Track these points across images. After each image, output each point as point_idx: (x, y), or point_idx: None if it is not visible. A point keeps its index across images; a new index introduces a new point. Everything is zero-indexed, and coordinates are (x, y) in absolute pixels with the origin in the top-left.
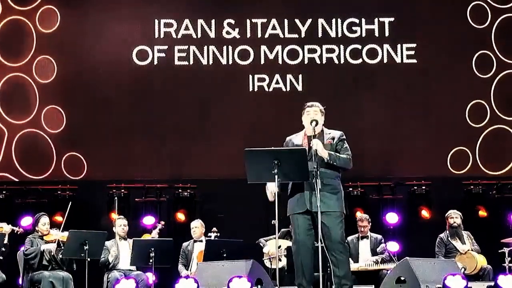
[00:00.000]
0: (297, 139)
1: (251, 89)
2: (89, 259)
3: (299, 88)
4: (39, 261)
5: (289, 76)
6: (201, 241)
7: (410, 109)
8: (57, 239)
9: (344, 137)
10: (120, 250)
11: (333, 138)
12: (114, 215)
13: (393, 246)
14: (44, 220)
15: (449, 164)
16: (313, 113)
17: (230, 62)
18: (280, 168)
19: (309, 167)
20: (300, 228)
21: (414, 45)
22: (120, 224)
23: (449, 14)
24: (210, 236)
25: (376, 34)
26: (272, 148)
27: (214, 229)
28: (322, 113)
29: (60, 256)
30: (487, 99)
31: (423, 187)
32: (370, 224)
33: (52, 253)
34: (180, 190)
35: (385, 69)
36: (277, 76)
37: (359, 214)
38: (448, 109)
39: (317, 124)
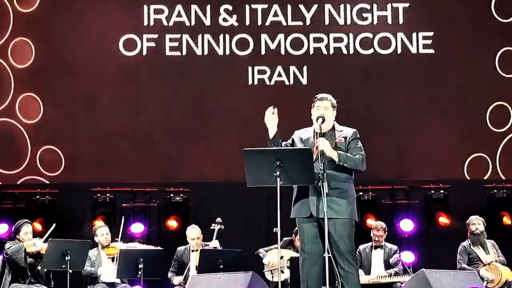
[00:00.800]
0: (306, 134)
1: (250, 82)
2: (71, 271)
3: (304, 81)
4: (19, 271)
5: (292, 68)
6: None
7: (426, 105)
8: (39, 250)
9: (358, 135)
10: (103, 261)
11: (345, 137)
12: (98, 222)
13: (408, 257)
14: (27, 229)
15: (466, 170)
16: (322, 108)
17: (227, 52)
18: (283, 169)
19: (316, 169)
20: (306, 236)
21: (431, 33)
22: (103, 233)
23: (471, 2)
24: (214, 228)
25: (389, 21)
26: (274, 147)
27: (219, 219)
28: (334, 108)
29: (39, 268)
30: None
31: (441, 191)
32: (386, 233)
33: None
34: (172, 195)
35: (399, 60)
36: (279, 68)
37: (374, 222)
38: (468, 105)
39: (323, 121)
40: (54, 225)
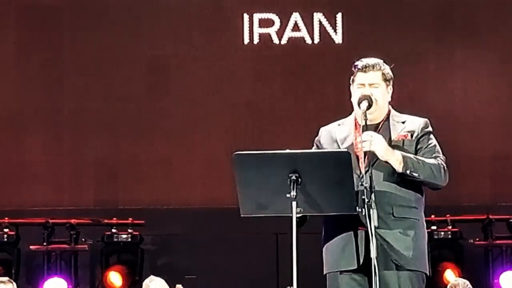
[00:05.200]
0: (341, 130)
1: (246, 40)
2: None
3: (337, 38)
4: None
5: (317, 17)
6: None
7: None
8: None
9: (431, 128)
10: None
11: (411, 132)
12: None
13: None
14: None
15: None
16: (368, 85)
17: None
18: (302, 188)
19: (359, 185)
20: None
21: None
22: None
23: None
24: None
25: None
26: (287, 150)
27: (179, 286)
28: (388, 82)
29: None
30: None
31: None
32: None
33: None
34: (114, 230)
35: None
36: (295, 17)
37: (452, 278)
38: None
39: (370, 106)
40: None
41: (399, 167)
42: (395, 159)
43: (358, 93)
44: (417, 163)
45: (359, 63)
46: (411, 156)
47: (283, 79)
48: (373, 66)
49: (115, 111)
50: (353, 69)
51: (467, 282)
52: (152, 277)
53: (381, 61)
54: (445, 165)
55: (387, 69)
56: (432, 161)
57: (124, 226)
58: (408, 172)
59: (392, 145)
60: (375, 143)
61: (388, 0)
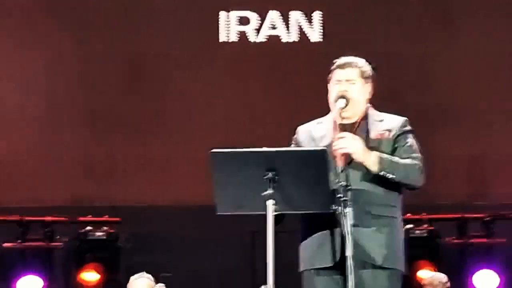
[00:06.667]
0: (319, 128)
1: (223, 38)
2: None
3: (314, 36)
4: None
5: (294, 15)
6: None
7: None
8: None
9: (410, 127)
10: None
11: (388, 130)
12: None
13: None
14: None
15: None
16: (345, 81)
17: None
18: (279, 186)
19: (335, 183)
20: None
21: None
22: None
23: None
24: None
25: None
26: (264, 148)
27: (161, 285)
28: (367, 80)
29: None
30: None
31: None
32: None
33: None
34: (89, 228)
35: None
36: (272, 15)
37: (430, 275)
38: None
39: (347, 104)
40: None
41: (374, 169)
42: (371, 161)
43: (335, 89)
44: (393, 164)
45: (338, 61)
46: (387, 157)
47: (260, 77)
48: (351, 63)
49: (91, 108)
50: (332, 65)
51: (443, 277)
52: (143, 273)
53: (363, 60)
54: (422, 165)
55: (365, 67)
56: (408, 161)
57: (100, 223)
58: (383, 173)
59: (370, 144)
60: (352, 144)
61: None
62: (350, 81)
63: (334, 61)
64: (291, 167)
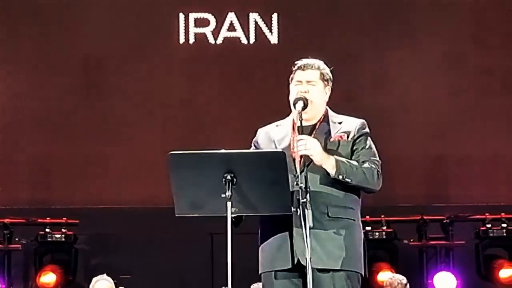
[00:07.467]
0: (279, 131)
1: (182, 40)
2: None
3: (272, 38)
4: None
5: (253, 17)
6: None
7: (478, 75)
8: None
9: (368, 130)
10: None
11: (346, 133)
12: None
13: None
14: None
15: None
16: (305, 82)
17: None
18: (237, 188)
19: (294, 186)
20: None
21: None
22: None
23: None
24: None
25: None
26: (223, 150)
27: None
28: (326, 82)
29: None
30: None
31: (504, 225)
32: None
33: None
34: (48, 230)
35: None
36: (231, 17)
37: (389, 276)
38: None
39: (306, 106)
40: None
41: (332, 172)
42: (329, 164)
43: (296, 90)
44: (350, 168)
45: (299, 62)
46: (345, 160)
47: (219, 79)
48: (312, 65)
49: (49, 110)
50: (293, 67)
51: (402, 278)
52: (104, 276)
53: (322, 62)
54: (379, 169)
55: (326, 69)
56: (366, 165)
57: (58, 225)
58: (340, 177)
59: (328, 146)
60: (310, 147)
61: (323, 1)
62: (310, 82)
63: (296, 62)
64: (249, 168)
